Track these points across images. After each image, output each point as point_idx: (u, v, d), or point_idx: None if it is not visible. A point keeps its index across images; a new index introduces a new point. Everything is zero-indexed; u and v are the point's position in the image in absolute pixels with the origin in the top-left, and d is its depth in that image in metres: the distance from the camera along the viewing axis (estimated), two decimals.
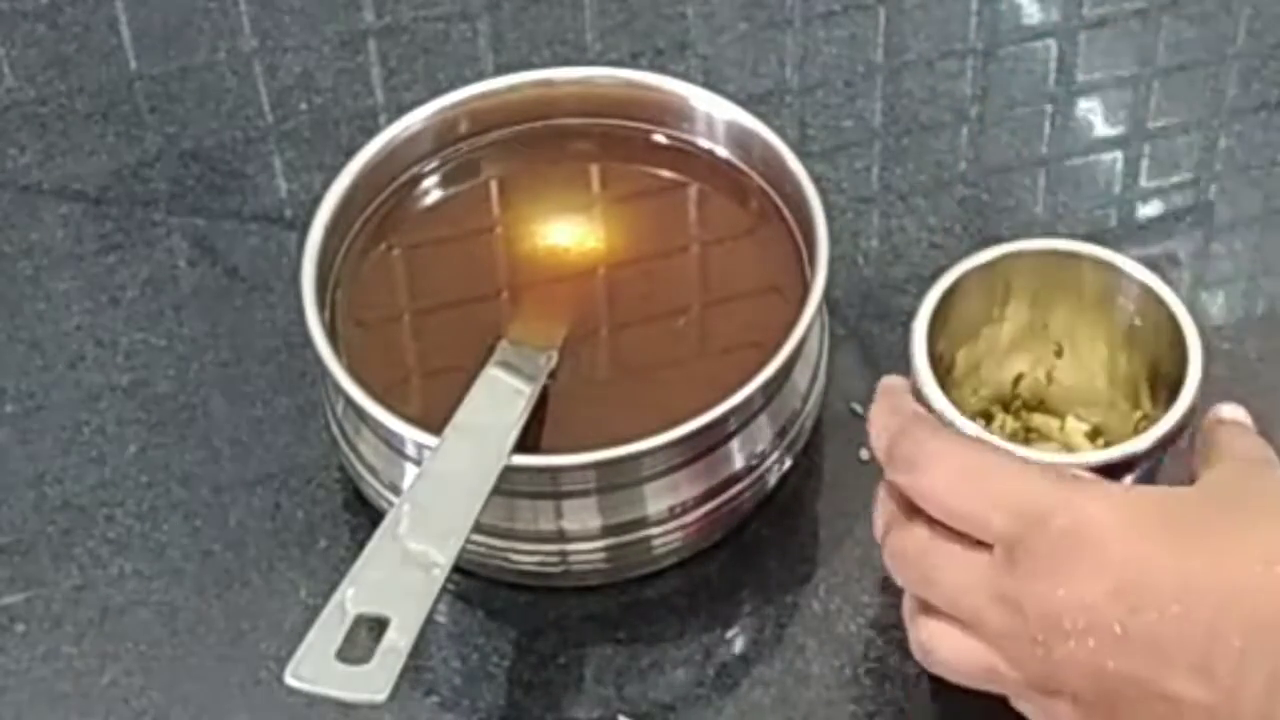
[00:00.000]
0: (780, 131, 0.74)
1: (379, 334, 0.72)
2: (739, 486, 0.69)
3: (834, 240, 0.70)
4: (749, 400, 0.67)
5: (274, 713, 0.67)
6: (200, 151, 0.84)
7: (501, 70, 0.80)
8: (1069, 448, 0.70)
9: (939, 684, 0.62)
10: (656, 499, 0.68)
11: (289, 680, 0.60)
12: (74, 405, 0.76)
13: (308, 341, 0.68)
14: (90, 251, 0.81)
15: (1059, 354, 0.70)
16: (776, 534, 0.72)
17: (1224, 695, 0.54)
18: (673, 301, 0.72)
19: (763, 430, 0.69)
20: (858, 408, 0.74)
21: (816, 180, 0.72)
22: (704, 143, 0.76)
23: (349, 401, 0.67)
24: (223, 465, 0.74)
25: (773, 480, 0.71)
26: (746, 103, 0.75)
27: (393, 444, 0.68)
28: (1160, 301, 0.66)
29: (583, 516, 0.68)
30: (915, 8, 0.90)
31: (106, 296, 0.79)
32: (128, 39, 0.89)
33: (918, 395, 0.64)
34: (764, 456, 0.69)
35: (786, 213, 0.73)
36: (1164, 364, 0.66)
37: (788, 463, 0.71)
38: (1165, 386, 0.65)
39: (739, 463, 0.69)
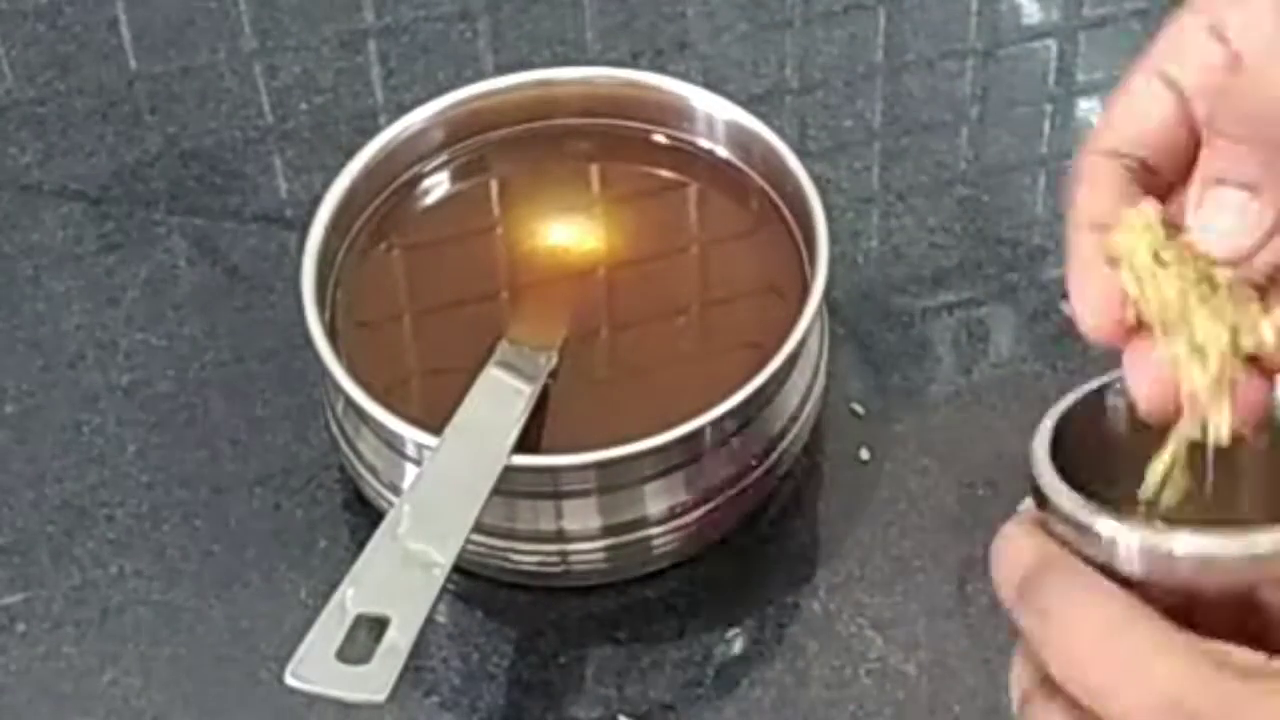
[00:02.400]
0: (780, 132, 0.74)
1: (379, 334, 0.72)
2: (739, 486, 0.69)
3: (834, 240, 0.70)
4: (749, 400, 0.66)
5: (274, 713, 0.67)
6: (200, 151, 0.84)
7: (501, 70, 0.80)
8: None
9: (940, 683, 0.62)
10: (656, 499, 0.68)
11: (289, 680, 0.60)
12: (74, 405, 0.76)
13: (308, 341, 0.68)
14: (90, 251, 0.81)
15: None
16: (776, 534, 0.72)
17: None
18: (673, 301, 0.72)
19: (763, 430, 0.69)
20: (858, 408, 0.74)
21: (816, 180, 0.72)
22: (704, 143, 0.76)
23: (349, 401, 0.67)
24: (223, 465, 0.74)
25: (773, 480, 0.71)
26: (746, 103, 0.75)
27: (393, 444, 0.68)
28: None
29: (583, 516, 0.68)
30: (915, 8, 0.90)
31: (106, 296, 0.79)
32: (128, 39, 0.88)
33: (1043, 501, 0.50)
34: (764, 456, 0.69)
35: (786, 213, 0.73)
36: None
37: (788, 463, 0.71)
38: None
39: (739, 463, 0.69)
